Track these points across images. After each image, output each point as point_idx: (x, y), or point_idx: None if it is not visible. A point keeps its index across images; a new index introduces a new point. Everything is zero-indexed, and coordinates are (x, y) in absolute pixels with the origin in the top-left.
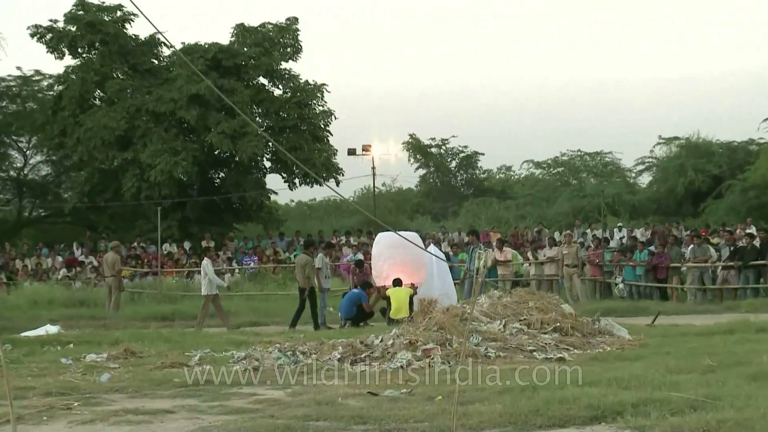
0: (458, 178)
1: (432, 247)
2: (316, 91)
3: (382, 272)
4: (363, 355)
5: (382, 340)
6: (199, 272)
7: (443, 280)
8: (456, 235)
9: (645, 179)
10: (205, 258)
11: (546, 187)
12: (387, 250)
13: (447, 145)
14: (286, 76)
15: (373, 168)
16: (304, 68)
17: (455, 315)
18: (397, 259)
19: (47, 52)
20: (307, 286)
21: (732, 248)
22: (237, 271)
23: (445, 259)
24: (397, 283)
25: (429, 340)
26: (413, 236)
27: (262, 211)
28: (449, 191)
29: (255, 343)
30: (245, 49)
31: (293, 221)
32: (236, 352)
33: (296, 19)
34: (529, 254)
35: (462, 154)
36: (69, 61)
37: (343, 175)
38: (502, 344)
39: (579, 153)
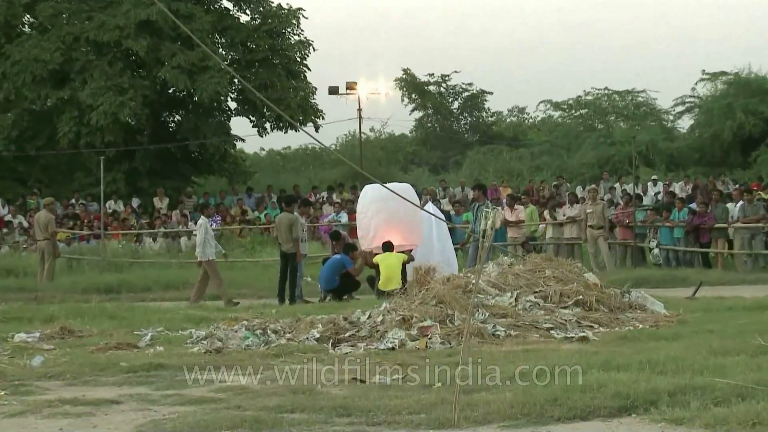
0: (461, 122)
1: (430, 206)
2: (290, 17)
3: (368, 232)
4: (347, 335)
5: (369, 317)
6: (150, 236)
7: (443, 244)
8: (458, 190)
9: (685, 123)
10: (202, 217)
11: (566, 132)
12: (375, 204)
13: (448, 82)
14: None
15: (360, 110)
16: None
17: (457, 286)
18: (388, 215)
19: None
20: (292, 251)
21: None
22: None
23: (445, 219)
24: (388, 247)
25: (426, 316)
26: (406, 189)
27: (226, 161)
28: (450, 138)
29: (217, 320)
30: None
31: (264, 174)
32: (195, 331)
33: None
34: (546, 213)
35: (466, 94)
36: None
37: (323, 118)
38: (513, 321)
39: (606, 92)
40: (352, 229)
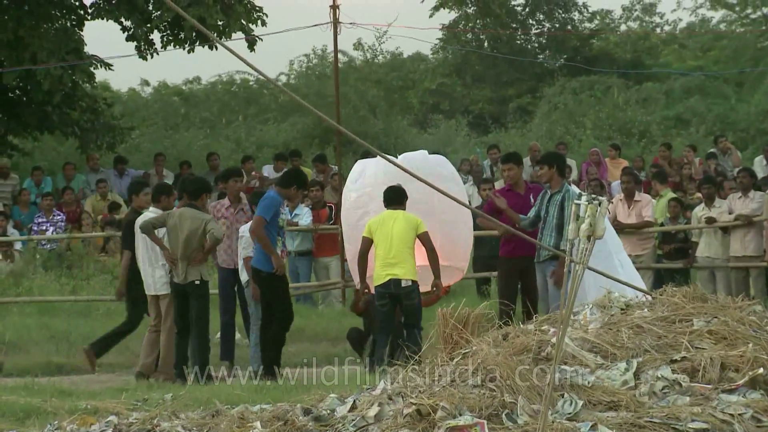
0: (532, 32)
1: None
2: None
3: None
4: None
5: (354, 407)
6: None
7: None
8: (526, 161)
9: None
10: (151, 210)
11: (735, 53)
12: (381, 189)
13: None
14: None
15: (335, 7)
16: None
17: (522, 349)
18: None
19: None
20: (196, 279)
21: None
22: (18, 246)
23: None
24: (394, 197)
25: (463, 406)
26: (438, 165)
27: (75, 106)
28: (511, 63)
29: (61, 415)
30: None
31: (150, 131)
32: None
33: None
34: (698, 209)
35: None
36: None
37: (263, 23)
38: (631, 417)
39: None
40: (323, 241)
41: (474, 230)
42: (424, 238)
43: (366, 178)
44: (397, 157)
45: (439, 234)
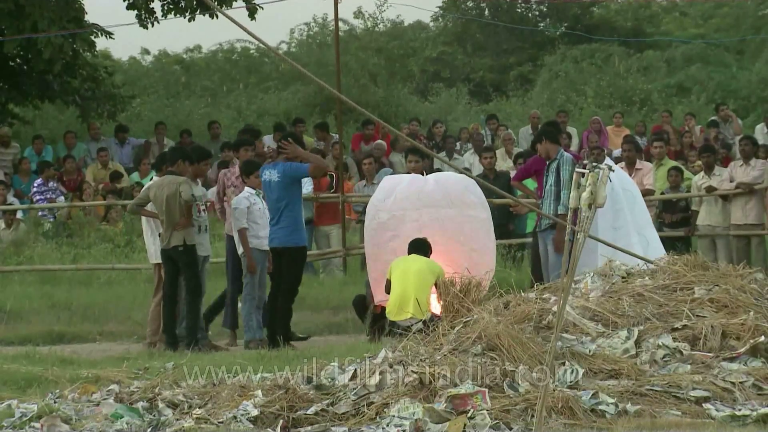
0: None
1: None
2: None
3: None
4: (311, 410)
5: (355, 376)
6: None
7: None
8: (526, 131)
9: None
10: (156, 178)
11: (735, 20)
12: (413, 212)
13: None
14: None
15: None
16: None
17: (523, 317)
18: (443, 235)
19: None
20: (187, 243)
21: None
22: (20, 215)
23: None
24: (419, 246)
25: (464, 374)
26: (465, 188)
27: (75, 75)
28: (512, 31)
29: (62, 383)
30: None
31: (151, 99)
32: (20, 404)
33: None
34: (699, 177)
35: None
36: None
37: None
38: (632, 384)
39: None
40: (324, 210)
41: None
42: (441, 276)
43: (397, 200)
44: (400, 130)
45: (468, 262)
